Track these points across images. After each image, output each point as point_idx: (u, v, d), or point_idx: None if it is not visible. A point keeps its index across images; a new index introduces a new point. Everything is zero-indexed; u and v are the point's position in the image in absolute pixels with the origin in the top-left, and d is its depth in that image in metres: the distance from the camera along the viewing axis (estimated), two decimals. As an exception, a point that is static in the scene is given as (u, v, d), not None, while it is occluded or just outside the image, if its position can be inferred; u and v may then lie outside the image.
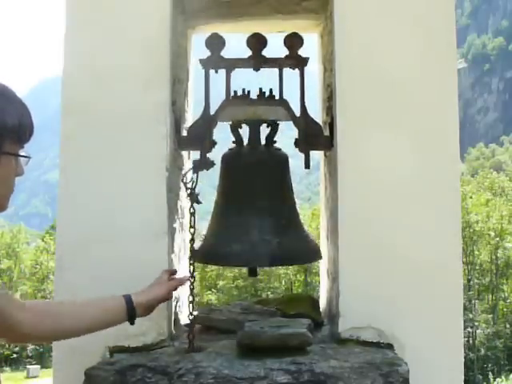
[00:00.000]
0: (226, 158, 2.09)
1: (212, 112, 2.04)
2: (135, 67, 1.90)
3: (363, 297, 1.81)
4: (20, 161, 1.28)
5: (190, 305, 1.77)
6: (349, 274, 1.82)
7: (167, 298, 1.69)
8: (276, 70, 2.09)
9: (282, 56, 2.07)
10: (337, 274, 1.85)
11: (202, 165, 1.91)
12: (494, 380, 25.16)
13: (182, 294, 2.14)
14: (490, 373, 26.26)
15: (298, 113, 2.07)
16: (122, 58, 1.91)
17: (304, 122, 2.04)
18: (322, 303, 2.30)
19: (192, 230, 1.79)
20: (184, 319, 2.06)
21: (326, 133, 2.08)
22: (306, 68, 2.11)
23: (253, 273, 2.06)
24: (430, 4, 1.93)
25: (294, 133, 2.08)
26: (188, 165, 2.27)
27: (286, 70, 2.08)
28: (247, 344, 1.66)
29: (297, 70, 2.11)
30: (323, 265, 2.34)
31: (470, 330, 27.93)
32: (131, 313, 1.53)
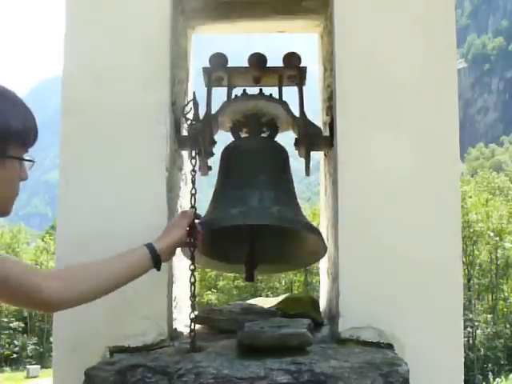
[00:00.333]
0: (226, 149, 2.10)
1: (212, 112, 2.05)
2: (135, 67, 1.90)
3: (363, 297, 1.81)
4: (24, 165, 1.29)
5: (191, 304, 1.77)
6: (349, 273, 1.82)
7: (184, 241, 1.70)
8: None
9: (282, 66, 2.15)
10: (337, 273, 1.85)
11: (203, 155, 1.92)
12: (494, 380, 25.16)
13: (183, 293, 2.14)
14: (489, 373, 26.27)
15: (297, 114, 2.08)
16: (122, 57, 1.91)
17: (303, 122, 2.05)
18: (322, 303, 2.30)
19: (194, 190, 1.76)
20: (184, 319, 2.06)
21: (326, 133, 2.08)
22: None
23: (249, 277, 2.06)
24: (429, 4, 1.93)
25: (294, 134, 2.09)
26: (188, 165, 2.27)
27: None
28: (247, 344, 1.66)
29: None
30: (323, 265, 2.34)
31: (469, 329, 27.94)
32: (156, 260, 1.58)
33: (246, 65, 2.18)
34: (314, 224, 2.14)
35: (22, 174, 1.29)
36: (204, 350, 1.73)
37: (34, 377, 32.05)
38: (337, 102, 1.90)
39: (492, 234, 31.32)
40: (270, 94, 2.10)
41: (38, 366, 34.04)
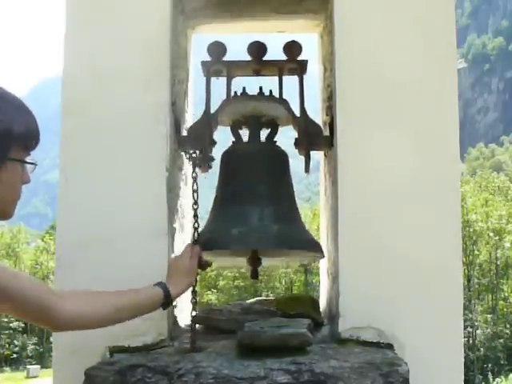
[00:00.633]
0: (226, 154, 2.10)
1: (212, 112, 2.05)
2: (135, 67, 1.90)
3: (363, 297, 1.81)
4: (26, 168, 1.29)
5: (192, 304, 1.77)
6: (349, 273, 1.82)
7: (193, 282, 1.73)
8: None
9: (282, 60, 2.12)
10: (337, 273, 1.85)
11: (203, 160, 1.91)
12: (494, 380, 25.17)
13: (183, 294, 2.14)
14: (489, 373, 26.27)
15: (297, 114, 2.08)
16: (122, 57, 1.91)
17: (304, 122, 2.05)
18: (322, 303, 2.30)
19: (196, 194, 1.77)
20: (184, 319, 2.06)
21: (326, 133, 2.08)
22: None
23: (254, 275, 2.07)
24: (430, 4, 1.93)
25: (294, 133, 2.08)
26: (188, 165, 2.27)
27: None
28: (247, 344, 1.66)
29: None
30: (323, 265, 2.34)
31: (469, 329, 27.94)
32: (167, 303, 1.60)
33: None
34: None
35: (24, 177, 1.29)
36: (204, 350, 1.73)
37: (34, 377, 32.05)
38: (337, 102, 1.90)
39: (492, 233, 31.32)
40: (270, 92, 2.08)
41: (38, 366, 34.04)
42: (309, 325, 1.73)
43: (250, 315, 2.00)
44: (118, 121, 1.89)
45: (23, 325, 39.52)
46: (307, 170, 2.06)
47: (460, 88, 2.13)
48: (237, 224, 1.92)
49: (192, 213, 1.78)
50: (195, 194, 1.78)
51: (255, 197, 1.98)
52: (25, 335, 39.50)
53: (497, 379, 25.20)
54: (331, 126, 2.01)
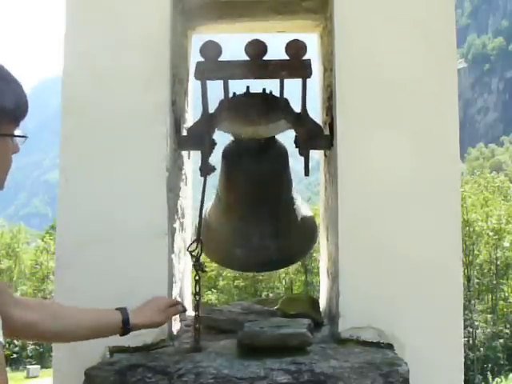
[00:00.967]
0: (227, 156, 2.09)
1: (211, 112, 2.04)
2: (135, 67, 1.90)
3: (363, 297, 1.81)
4: (16, 139, 1.29)
5: (194, 304, 1.76)
6: (349, 274, 1.82)
7: (161, 325, 1.69)
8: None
9: (284, 60, 1.98)
10: (337, 273, 1.85)
11: (205, 171, 1.91)
12: (493, 380, 25.16)
13: (184, 293, 2.14)
14: (488, 372, 26.26)
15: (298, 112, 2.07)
16: (122, 58, 1.91)
17: (304, 121, 2.04)
18: (322, 303, 2.30)
19: (197, 296, 1.76)
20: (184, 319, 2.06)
21: (326, 133, 2.08)
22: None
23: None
24: (430, 4, 1.93)
25: (294, 133, 2.08)
26: (188, 165, 2.27)
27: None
28: (247, 344, 1.66)
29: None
30: (323, 264, 2.34)
31: (470, 329, 27.92)
32: (125, 330, 1.55)
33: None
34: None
35: (14, 148, 1.29)
36: (204, 350, 1.73)
37: (34, 377, 32.02)
38: (337, 102, 1.90)
39: (492, 233, 31.31)
40: (271, 92, 2.06)
41: (38, 366, 34.00)
42: (309, 325, 1.73)
43: (250, 315, 2.00)
44: (118, 121, 1.89)
45: (23, 325, 39.41)
46: (307, 173, 2.04)
47: (460, 88, 2.12)
48: (239, 243, 1.94)
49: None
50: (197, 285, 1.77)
51: (255, 211, 1.99)
52: (25, 335, 39.40)
53: (496, 379, 25.19)
54: (331, 126, 2.01)
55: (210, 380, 1.52)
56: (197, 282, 1.76)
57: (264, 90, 2.07)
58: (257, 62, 1.97)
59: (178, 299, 1.90)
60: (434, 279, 1.82)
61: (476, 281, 31.54)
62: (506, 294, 32.27)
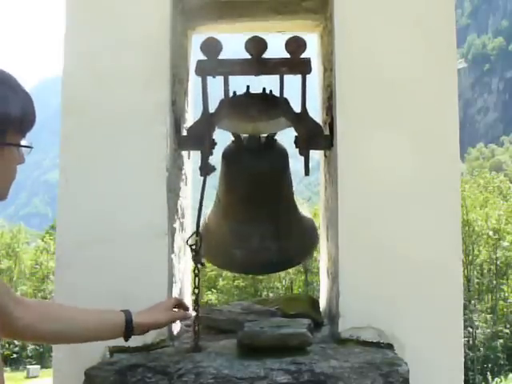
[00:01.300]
0: (227, 157, 2.09)
1: (211, 112, 2.04)
2: (135, 67, 1.90)
3: (363, 297, 1.81)
4: (21, 149, 1.29)
5: (195, 304, 1.76)
6: (349, 274, 1.82)
7: (166, 325, 1.68)
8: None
9: (284, 58, 2.00)
10: (337, 273, 1.85)
11: (205, 171, 1.90)
12: (493, 380, 25.17)
13: (184, 293, 2.14)
14: (488, 372, 26.27)
15: (298, 112, 2.07)
16: (122, 58, 1.91)
17: (304, 121, 2.04)
18: (322, 303, 2.30)
19: (196, 290, 1.75)
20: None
21: (326, 133, 2.08)
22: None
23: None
24: (430, 4, 1.93)
25: (294, 133, 2.08)
26: (188, 165, 2.27)
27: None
28: (247, 344, 1.66)
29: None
30: (323, 265, 2.34)
31: (470, 329, 27.92)
32: (129, 331, 1.52)
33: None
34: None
35: (19, 159, 1.29)
36: (204, 350, 1.73)
37: (34, 377, 32.02)
38: (337, 102, 1.90)
39: (491, 233, 31.31)
40: (271, 92, 2.06)
41: (38, 366, 34.01)
42: (309, 325, 1.73)
43: (250, 315, 2.00)
44: (118, 121, 1.89)
45: (23, 325, 39.41)
46: (307, 173, 2.04)
47: (460, 88, 2.12)
48: (239, 245, 1.93)
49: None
50: (196, 278, 1.76)
51: (256, 212, 1.99)
52: (25, 335, 39.40)
53: (496, 379, 25.20)
54: (331, 125, 2.01)
55: (210, 380, 1.52)
56: (196, 275, 1.75)
57: (264, 89, 2.07)
58: (257, 58, 1.99)
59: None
60: (434, 279, 1.82)
61: (476, 281, 31.55)
62: (506, 294, 32.28)
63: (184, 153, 2.17)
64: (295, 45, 1.97)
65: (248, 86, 2.06)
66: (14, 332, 1.36)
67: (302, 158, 2.05)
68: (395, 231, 1.84)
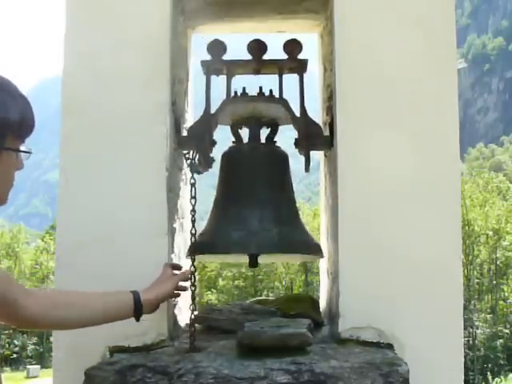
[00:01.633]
0: (226, 155, 2.10)
1: (212, 112, 2.05)
2: (135, 67, 1.90)
3: (363, 297, 1.81)
4: (20, 155, 1.29)
5: (192, 304, 1.77)
6: (349, 274, 1.82)
7: (173, 295, 1.71)
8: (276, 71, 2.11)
9: (282, 59, 2.12)
10: (337, 273, 1.85)
11: (203, 164, 1.91)
12: (493, 380, 25.19)
13: (183, 293, 2.13)
14: (488, 372, 26.29)
15: (297, 113, 2.07)
16: (122, 58, 1.91)
17: (304, 121, 2.05)
18: (322, 303, 2.30)
19: (193, 200, 1.76)
20: (184, 319, 2.06)
21: (326, 133, 2.08)
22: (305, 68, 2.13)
23: (253, 262, 2.05)
24: (430, 4, 1.93)
25: (294, 133, 2.08)
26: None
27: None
28: (247, 344, 1.66)
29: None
30: (323, 264, 2.34)
31: (470, 329, 27.94)
32: (138, 310, 1.56)
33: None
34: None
35: (18, 164, 1.29)
36: (204, 350, 1.73)
37: (34, 377, 32.06)
38: (337, 102, 1.90)
39: (491, 233, 31.33)
40: (271, 92, 2.08)
41: (38, 366, 34.05)
42: (309, 325, 1.73)
43: (250, 315, 2.00)
44: (118, 121, 1.89)
45: (23, 325, 39.40)
46: (307, 169, 2.06)
47: (460, 88, 2.13)
48: (237, 227, 1.92)
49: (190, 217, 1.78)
50: (193, 200, 1.77)
51: (255, 199, 1.99)
52: (25, 335, 39.48)
53: (496, 379, 25.22)
54: (331, 125, 2.01)
55: (210, 380, 1.52)
56: (192, 273, 1.75)
57: (261, 88, 2.09)
58: (258, 59, 2.13)
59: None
60: (433, 279, 1.82)
61: (476, 281, 31.56)
62: (506, 294, 32.31)
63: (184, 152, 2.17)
64: (292, 46, 2.11)
65: (244, 88, 2.08)
66: (25, 322, 1.37)
67: (302, 158, 2.05)
68: (395, 231, 1.84)
